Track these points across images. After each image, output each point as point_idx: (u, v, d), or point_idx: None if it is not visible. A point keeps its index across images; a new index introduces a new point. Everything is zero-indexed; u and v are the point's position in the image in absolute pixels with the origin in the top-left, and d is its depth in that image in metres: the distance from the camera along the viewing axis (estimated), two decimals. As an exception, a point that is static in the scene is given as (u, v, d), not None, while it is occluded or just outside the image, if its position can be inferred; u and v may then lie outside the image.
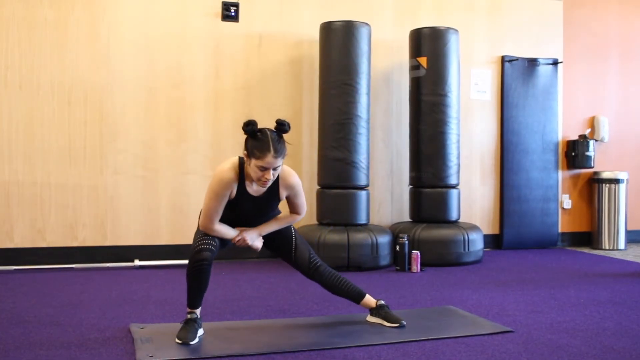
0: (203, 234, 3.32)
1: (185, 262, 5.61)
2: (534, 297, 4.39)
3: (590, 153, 7.08)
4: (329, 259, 5.35)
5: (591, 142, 7.10)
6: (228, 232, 3.36)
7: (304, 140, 6.22)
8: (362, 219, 5.73)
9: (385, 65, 6.53)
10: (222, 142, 6.00)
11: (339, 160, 5.66)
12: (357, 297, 3.63)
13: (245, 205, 3.31)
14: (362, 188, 5.76)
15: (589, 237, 7.27)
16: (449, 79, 6.00)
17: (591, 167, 7.16)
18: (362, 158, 5.72)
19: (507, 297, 4.40)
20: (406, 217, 6.46)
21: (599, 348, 3.15)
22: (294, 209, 3.49)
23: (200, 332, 3.31)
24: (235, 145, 5.97)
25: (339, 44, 5.70)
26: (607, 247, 7.03)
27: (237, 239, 3.38)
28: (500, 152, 6.92)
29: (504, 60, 6.91)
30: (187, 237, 5.87)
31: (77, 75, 5.65)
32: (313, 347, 3.15)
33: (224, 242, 3.40)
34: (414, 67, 6.09)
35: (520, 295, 4.47)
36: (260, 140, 3.09)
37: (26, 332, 3.40)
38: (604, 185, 7.06)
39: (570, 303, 4.20)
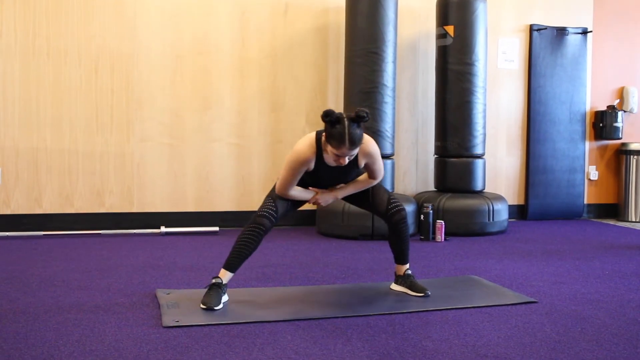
0: (272, 201, 3.38)
1: (211, 229, 5.70)
2: (558, 268, 4.38)
3: (619, 124, 6.99)
4: (353, 227, 5.39)
5: (620, 113, 7.00)
6: (303, 195, 3.45)
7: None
8: (387, 188, 5.71)
9: (411, 33, 6.47)
10: (247, 111, 6.01)
11: (364, 129, 5.62)
12: (402, 259, 3.64)
13: (324, 175, 3.39)
14: (387, 157, 5.74)
15: (615, 209, 7.21)
16: (476, 47, 5.94)
17: (619, 139, 7.07)
18: (387, 127, 5.69)
19: (531, 267, 4.39)
20: (431, 186, 6.45)
21: (622, 320, 3.14)
22: (371, 174, 3.51)
23: (225, 298, 3.34)
24: (260, 114, 5.98)
25: (366, 11, 5.64)
26: (633, 220, 6.97)
27: (312, 201, 3.50)
28: (527, 122, 6.85)
29: (532, 29, 6.81)
30: (212, 205, 5.93)
31: (104, 43, 5.67)
32: (336, 314, 3.17)
33: (295, 204, 3.49)
34: (441, 36, 6.03)
35: (544, 266, 4.45)
36: (338, 131, 3.10)
37: (55, 296, 3.47)
38: (631, 156, 6.98)
39: (594, 275, 4.18)
